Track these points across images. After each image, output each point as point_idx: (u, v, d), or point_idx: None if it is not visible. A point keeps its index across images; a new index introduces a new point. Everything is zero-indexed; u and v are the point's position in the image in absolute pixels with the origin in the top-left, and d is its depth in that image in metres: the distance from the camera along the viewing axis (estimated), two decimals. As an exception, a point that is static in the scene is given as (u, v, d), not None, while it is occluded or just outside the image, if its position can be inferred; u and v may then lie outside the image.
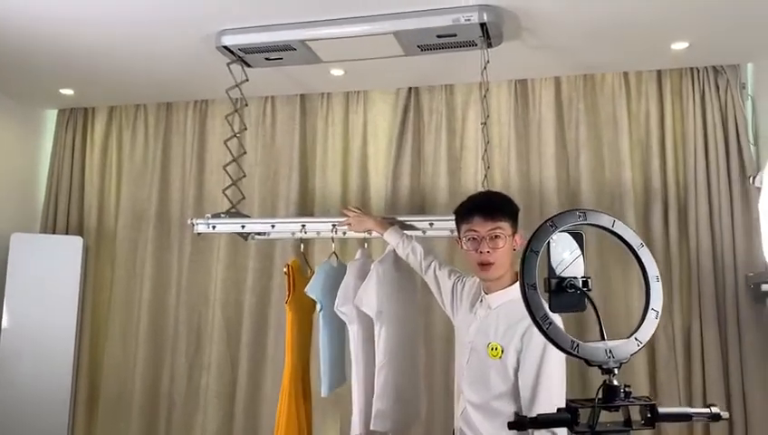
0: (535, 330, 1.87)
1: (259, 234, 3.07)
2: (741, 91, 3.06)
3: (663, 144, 3.15)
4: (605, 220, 1.17)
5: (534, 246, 1.12)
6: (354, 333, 2.65)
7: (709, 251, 2.98)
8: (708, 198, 3.01)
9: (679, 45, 2.87)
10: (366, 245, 2.85)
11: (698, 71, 3.11)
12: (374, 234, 2.68)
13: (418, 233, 2.69)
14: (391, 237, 2.59)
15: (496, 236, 2.05)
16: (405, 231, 2.61)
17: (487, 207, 2.10)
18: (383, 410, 2.51)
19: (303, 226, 2.87)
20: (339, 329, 2.80)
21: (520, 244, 2.09)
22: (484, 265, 2.06)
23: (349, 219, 2.72)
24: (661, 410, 1.07)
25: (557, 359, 1.92)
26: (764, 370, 2.84)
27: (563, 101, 3.29)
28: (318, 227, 2.87)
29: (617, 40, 2.84)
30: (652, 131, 3.16)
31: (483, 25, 2.54)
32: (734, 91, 3.05)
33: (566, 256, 1.19)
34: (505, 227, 2.07)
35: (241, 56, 2.90)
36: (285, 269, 2.82)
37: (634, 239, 1.17)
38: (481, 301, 2.16)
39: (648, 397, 1.09)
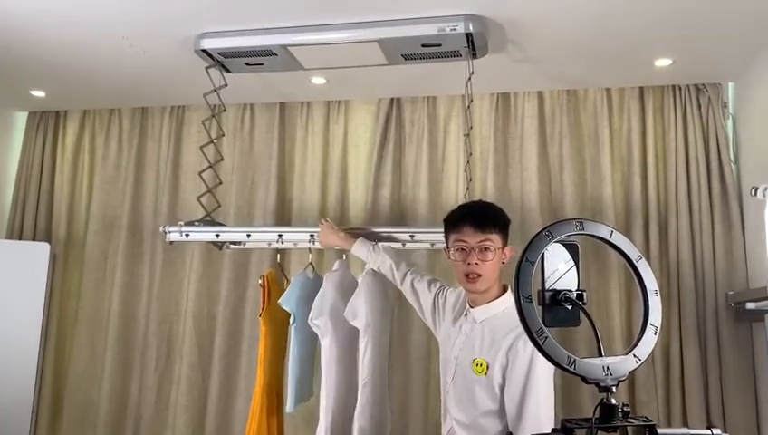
0: (521, 345, 1.86)
1: (234, 243, 2.99)
2: (722, 109, 3.06)
3: (644, 161, 3.14)
4: (603, 231, 1.12)
5: (530, 255, 1.07)
6: (327, 347, 2.58)
7: (690, 269, 2.96)
8: (689, 215, 3.00)
9: (662, 62, 2.87)
10: (345, 256, 2.79)
11: (680, 89, 3.11)
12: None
13: (398, 245, 2.64)
14: (360, 251, 2.52)
15: (486, 249, 1.99)
16: (378, 243, 2.54)
17: (478, 217, 2.04)
18: (365, 428, 2.43)
19: (280, 235, 2.80)
20: (310, 343, 2.73)
21: (509, 257, 2.04)
22: (472, 277, 2.00)
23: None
24: (660, 431, 1.02)
25: (544, 374, 1.87)
26: (745, 390, 2.81)
27: (546, 116, 3.27)
28: (295, 236, 2.81)
29: (601, 55, 2.83)
30: (634, 148, 3.14)
31: (468, 36, 2.51)
32: (715, 109, 3.05)
33: (560, 267, 1.13)
34: (495, 239, 2.01)
35: (220, 61, 2.83)
36: (260, 280, 2.75)
37: (632, 251, 1.12)
38: (466, 314, 2.09)
39: (646, 417, 1.04)
